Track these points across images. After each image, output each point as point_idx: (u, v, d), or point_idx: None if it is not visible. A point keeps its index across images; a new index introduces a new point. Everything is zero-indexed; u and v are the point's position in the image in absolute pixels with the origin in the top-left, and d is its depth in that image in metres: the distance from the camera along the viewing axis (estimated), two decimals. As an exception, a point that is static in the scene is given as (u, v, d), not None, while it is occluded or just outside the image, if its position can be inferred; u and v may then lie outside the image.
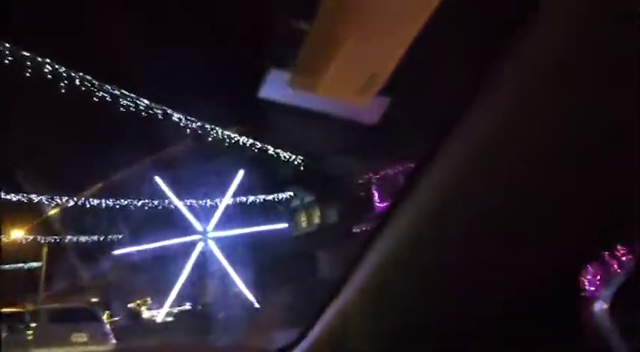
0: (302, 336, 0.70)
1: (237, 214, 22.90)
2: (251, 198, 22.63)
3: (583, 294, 0.57)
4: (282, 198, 23.35)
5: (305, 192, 24.18)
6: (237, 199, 23.01)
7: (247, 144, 20.93)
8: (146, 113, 18.16)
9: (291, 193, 23.44)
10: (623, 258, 0.62)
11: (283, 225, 22.45)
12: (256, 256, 21.06)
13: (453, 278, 0.50)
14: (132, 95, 17.86)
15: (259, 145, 21.14)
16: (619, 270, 0.55)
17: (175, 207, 22.16)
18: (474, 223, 0.48)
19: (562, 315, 0.51)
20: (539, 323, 0.49)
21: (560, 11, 0.43)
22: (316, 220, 24.76)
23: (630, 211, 0.47)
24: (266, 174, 22.61)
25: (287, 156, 21.77)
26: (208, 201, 23.05)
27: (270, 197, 23.36)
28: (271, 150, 21.21)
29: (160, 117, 19.07)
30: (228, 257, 21.82)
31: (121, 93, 17.50)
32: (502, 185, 0.46)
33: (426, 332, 0.50)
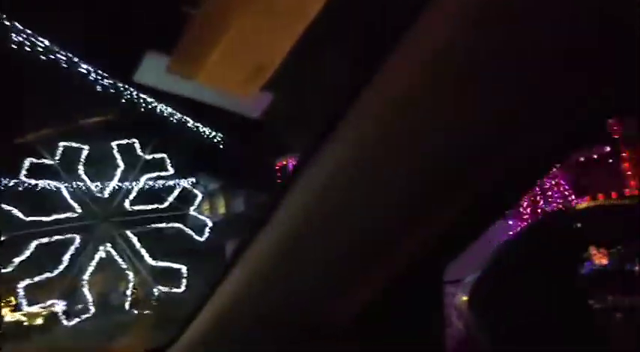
0: (177, 335, 0.63)
1: (140, 199, 19.84)
2: (140, 184, 19.27)
3: (446, 286, 0.56)
4: (182, 185, 20.41)
5: (210, 178, 21.85)
6: (138, 183, 19.57)
7: (165, 113, 17.34)
8: (45, 57, 14.46)
9: (193, 180, 20.61)
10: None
11: (199, 209, 20.10)
12: (156, 247, 18.81)
13: (331, 270, 0.47)
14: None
15: (178, 116, 17.59)
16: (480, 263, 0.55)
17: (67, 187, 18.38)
18: (346, 219, 0.45)
19: (427, 307, 0.50)
20: (404, 315, 0.48)
21: (450, 11, 0.40)
22: (221, 210, 22.80)
23: (495, 205, 0.46)
24: (178, 152, 19.34)
25: (207, 133, 18.46)
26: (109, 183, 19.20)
27: (171, 182, 19.59)
28: (191, 123, 18.04)
29: (63, 65, 15.24)
30: (127, 247, 18.99)
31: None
32: (372, 182, 0.43)
33: (305, 322, 0.47)
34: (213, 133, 18.20)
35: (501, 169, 0.42)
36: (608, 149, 10.71)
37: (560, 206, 9.40)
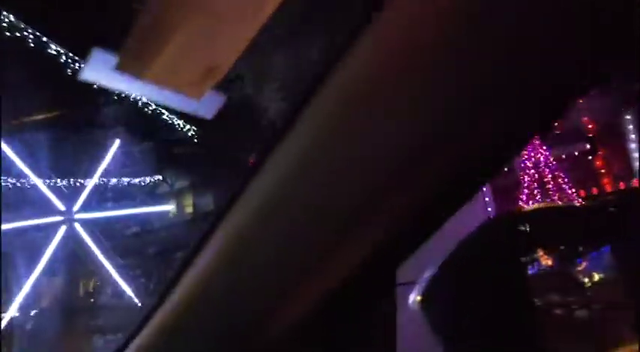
0: (129, 340, 0.60)
1: (108, 196, 18.14)
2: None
3: (399, 286, 0.57)
4: (148, 183, 18.64)
5: (177, 175, 20.17)
6: (108, 179, 17.65)
7: (139, 103, 15.22)
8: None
9: (159, 177, 18.78)
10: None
11: (168, 208, 18.44)
12: (121, 246, 17.43)
13: (280, 277, 0.46)
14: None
15: (153, 106, 15.43)
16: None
17: (29, 184, 15.88)
18: (295, 222, 0.45)
19: (379, 310, 0.50)
20: (354, 319, 0.47)
21: (405, 12, 0.40)
22: (189, 209, 21.32)
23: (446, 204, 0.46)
24: (148, 146, 17.45)
25: (181, 125, 16.45)
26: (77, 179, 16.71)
27: (136, 180, 17.73)
28: (166, 115, 16.04)
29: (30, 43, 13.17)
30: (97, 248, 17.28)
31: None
32: (327, 186, 0.43)
33: (253, 331, 0.46)
34: (188, 126, 16.79)
35: (455, 166, 0.43)
36: (587, 147, 11.05)
37: (558, 198, 9.58)
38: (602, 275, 0.62)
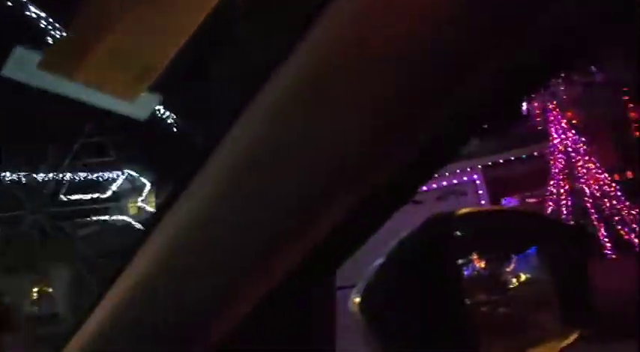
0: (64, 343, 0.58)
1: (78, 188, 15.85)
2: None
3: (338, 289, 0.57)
4: (107, 178, 16.19)
5: (141, 170, 17.65)
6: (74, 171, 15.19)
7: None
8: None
9: (119, 173, 16.18)
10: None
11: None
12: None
13: (213, 283, 0.45)
14: None
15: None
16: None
17: None
18: (229, 226, 0.45)
19: (316, 315, 0.50)
20: (290, 326, 0.48)
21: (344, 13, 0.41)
22: (152, 208, 18.79)
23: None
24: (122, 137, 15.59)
25: (161, 112, 14.27)
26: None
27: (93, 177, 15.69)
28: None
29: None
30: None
31: None
32: (262, 191, 0.44)
33: (184, 341, 0.46)
34: (167, 113, 14.69)
35: (391, 169, 0.44)
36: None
37: (587, 185, 9.33)
38: (528, 276, 0.65)
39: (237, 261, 0.46)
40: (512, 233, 0.66)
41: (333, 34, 0.42)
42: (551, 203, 8.90)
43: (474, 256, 0.63)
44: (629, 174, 9.53)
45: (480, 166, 10.86)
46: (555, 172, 9.39)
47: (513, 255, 0.65)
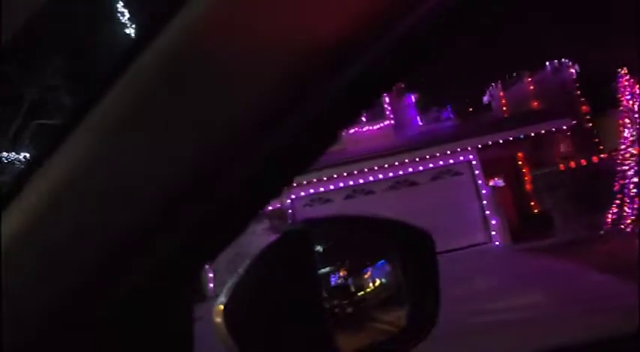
0: None
1: None
2: None
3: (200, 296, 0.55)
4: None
5: None
6: None
7: None
8: None
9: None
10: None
11: None
12: None
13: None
14: None
15: None
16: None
17: None
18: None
19: (173, 325, 0.51)
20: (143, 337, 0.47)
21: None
22: None
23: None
24: None
25: None
26: None
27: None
28: None
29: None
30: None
31: None
32: (113, 193, 0.43)
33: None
34: None
35: (244, 175, 0.43)
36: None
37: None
38: (383, 280, 0.72)
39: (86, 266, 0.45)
40: (368, 244, 0.73)
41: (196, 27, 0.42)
42: (623, 163, 9.12)
43: (333, 265, 0.69)
44: None
45: (472, 147, 10.93)
46: (625, 136, 9.24)
47: (369, 265, 0.72)
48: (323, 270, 0.69)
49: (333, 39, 0.40)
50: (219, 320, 0.53)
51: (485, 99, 12.50)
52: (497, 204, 10.58)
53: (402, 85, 11.15)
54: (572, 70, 11.78)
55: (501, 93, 11.68)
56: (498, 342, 4.21)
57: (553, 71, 11.18)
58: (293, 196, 11.28)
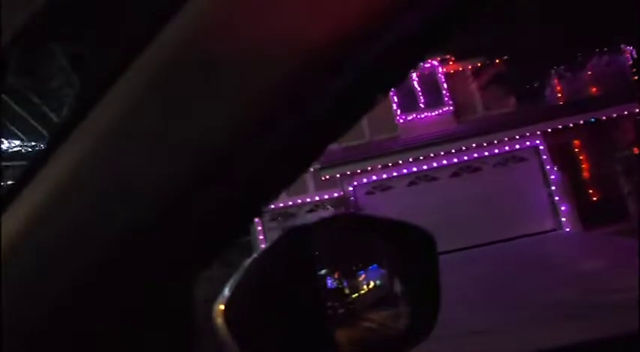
0: None
1: None
2: None
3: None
4: None
5: None
6: None
7: None
8: None
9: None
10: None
11: None
12: None
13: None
14: None
15: None
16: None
17: None
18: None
19: (174, 327, 0.51)
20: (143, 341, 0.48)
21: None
22: None
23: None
24: None
25: None
26: None
27: None
28: None
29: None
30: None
31: None
32: (110, 194, 0.45)
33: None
34: None
35: (246, 173, 0.43)
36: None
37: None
38: (377, 282, 0.73)
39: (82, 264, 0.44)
40: (364, 247, 0.74)
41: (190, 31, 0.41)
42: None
43: (330, 269, 0.70)
44: None
45: (540, 132, 10.47)
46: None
47: (364, 266, 0.74)
48: (320, 272, 0.70)
49: (333, 39, 0.40)
50: (219, 319, 0.53)
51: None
52: (566, 190, 10.10)
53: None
54: (628, 55, 11.10)
55: (556, 80, 11.13)
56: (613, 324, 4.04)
57: (609, 56, 10.56)
58: (355, 183, 11.18)
